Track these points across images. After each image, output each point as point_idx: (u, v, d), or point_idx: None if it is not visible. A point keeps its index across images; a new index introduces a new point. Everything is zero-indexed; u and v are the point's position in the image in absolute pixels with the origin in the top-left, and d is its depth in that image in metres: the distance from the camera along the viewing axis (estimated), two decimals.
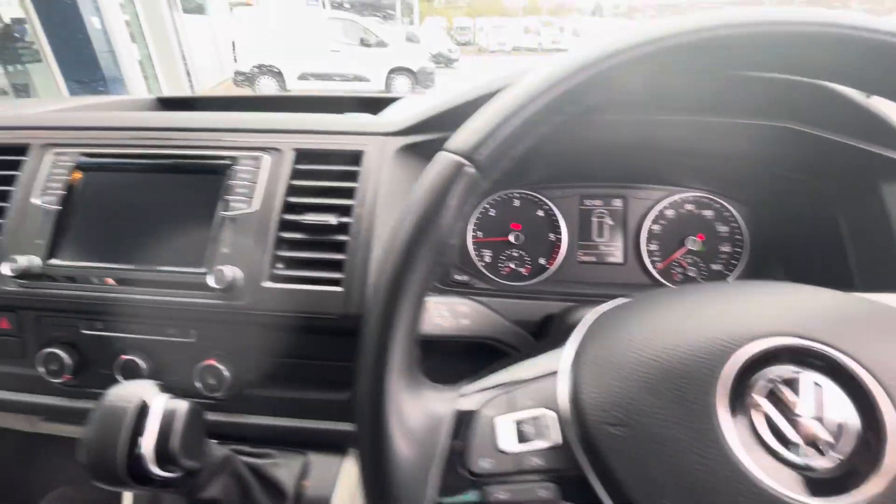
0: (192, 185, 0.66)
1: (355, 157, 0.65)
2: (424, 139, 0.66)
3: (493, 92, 0.62)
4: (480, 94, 0.62)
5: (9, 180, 0.69)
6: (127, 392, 0.43)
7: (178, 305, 0.62)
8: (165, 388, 0.44)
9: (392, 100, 1.00)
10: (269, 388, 0.63)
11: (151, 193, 0.66)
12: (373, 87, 9.57)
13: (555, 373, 0.37)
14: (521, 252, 0.83)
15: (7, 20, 5.53)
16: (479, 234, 0.84)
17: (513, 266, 0.83)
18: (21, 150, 0.71)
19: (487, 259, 0.83)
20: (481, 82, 0.63)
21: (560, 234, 0.82)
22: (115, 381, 0.63)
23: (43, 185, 0.67)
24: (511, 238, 0.82)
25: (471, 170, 0.34)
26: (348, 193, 0.63)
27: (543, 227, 0.83)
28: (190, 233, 0.63)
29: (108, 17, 5.64)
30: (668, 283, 0.80)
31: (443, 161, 0.35)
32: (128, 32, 6.24)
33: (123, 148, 0.69)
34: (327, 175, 0.65)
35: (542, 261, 0.83)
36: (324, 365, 0.62)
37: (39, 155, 0.70)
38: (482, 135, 0.35)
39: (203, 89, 9.39)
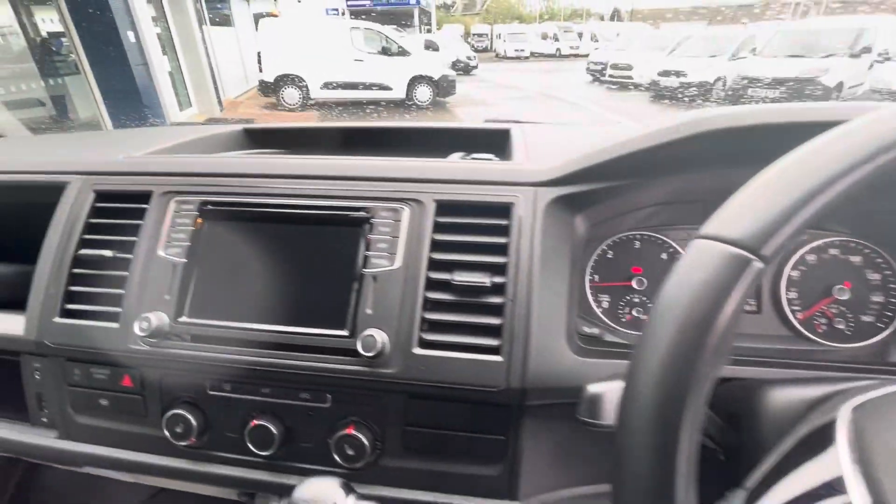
0: (326, 237, 0.62)
1: (504, 210, 0.61)
2: (580, 191, 0.62)
3: (665, 144, 0.57)
4: (647, 146, 0.57)
5: (133, 230, 0.66)
6: (317, 493, 0.39)
7: (316, 371, 0.58)
8: (349, 487, 0.40)
9: (501, 132, 0.95)
10: (410, 459, 0.59)
11: (282, 246, 0.62)
12: (395, 96, 9.61)
13: (836, 491, 0.31)
14: (643, 298, 0.77)
15: (44, 34, 5.72)
16: (597, 277, 0.78)
17: (635, 314, 0.77)
18: (144, 197, 0.68)
19: (605, 305, 0.78)
20: (641, 132, 0.58)
21: None
22: (243, 446, 0.59)
23: (167, 236, 0.64)
24: (634, 283, 0.76)
25: (759, 265, 0.29)
26: (499, 250, 0.59)
27: (669, 271, 0.77)
28: (328, 291, 0.60)
29: (143, 31, 5.80)
30: (810, 335, 0.74)
31: (722, 256, 0.30)
32: (159, 45, 6.41)
33: (248, 196, 0.66)
34: (474, 229, 0.60)
35: None
36: (472, 437, 0.57)
37: (162, 203, 0.67)
38: (776, 222, 0.29)
39: (229, 98, 9.56)
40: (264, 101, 9.83)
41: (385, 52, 9.61)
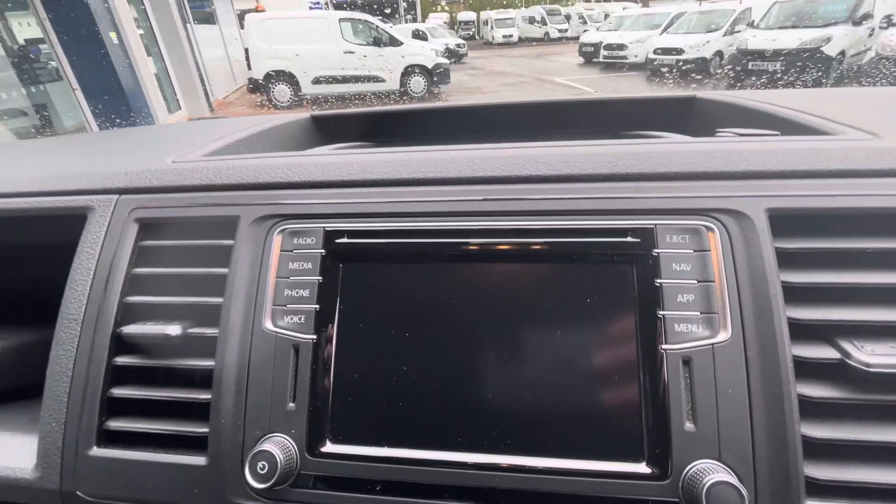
0: (567, 285, 0.37)
1: None
2: None
3: None
4: None
5: (212, 285, 0.42)
6: None
7: None
8: None
9: (679, 101, 0.75)
10: None
11: (489, 304, 0.37)
12: (388, 87, 9.35)
13: None
14: None
15: (21, 41, 5.45)
16: None
17: None
18: (224, 228, 0.43)
19: None
20: None
21: None
22: None
23: (276, 293, 0.40)
24: None
25: None
26: None
27: None
28: (588, 386, 0.35)
29: (125, 32, 5.57)
30: None
31: None
32: (143, 47, 6.18)
33: (412, 219, 0.40)
34: (853, 259, 0.36)
35: None
36: None
37: (257, 237, 0.42)
38: None
39: (218, 99, 9.27)
40: (254, 100, 9.54)
41: (376, 42, 9.34)
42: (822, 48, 7.58)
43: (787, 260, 0.36)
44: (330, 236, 0.40)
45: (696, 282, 0.36)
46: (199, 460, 0.38)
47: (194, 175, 0.47)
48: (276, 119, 0.79)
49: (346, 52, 9.10)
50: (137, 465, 0.39)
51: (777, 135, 0.49)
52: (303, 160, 0.48)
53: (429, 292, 0.38)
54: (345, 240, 0.40)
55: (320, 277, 0.39)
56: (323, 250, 0.40)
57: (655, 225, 0.37)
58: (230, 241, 0.42)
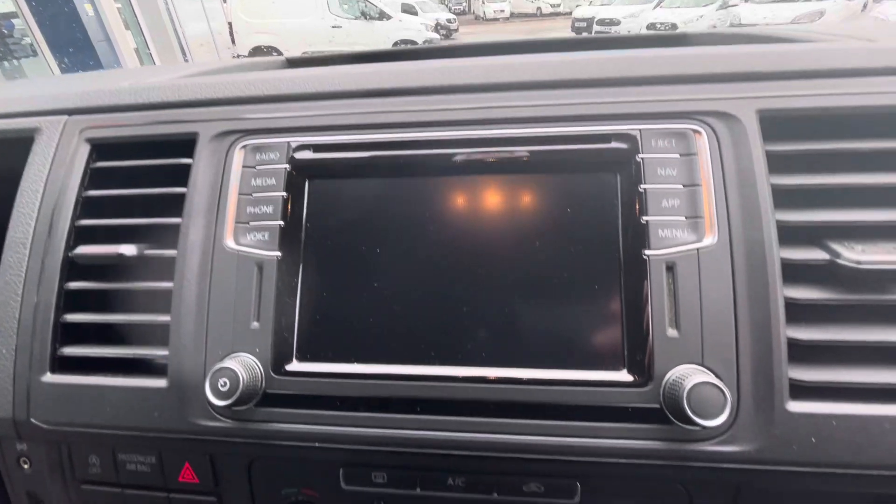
0: (547, 196, 0.35)
1: None
2: None
3: None
4: None
5: (171, 206, 0.40)
6: None
7: (566, 449, 0.33)
8: None
9: (677, 36, 0.74)
10: None
11: (464, 218, 0.36)
12: None
13: None
14: None
15: None
16: None
17: None
18: (182, 146, 0.41)
19: None
20: None
21: None
22: None
23: (239, 211, 0.38)
24: None
25: None
26: None
27: None
28: (568, 295, 0.34)
29: (101, 3, 5.34)
30: None
31: None
32: (121, 20, 5.94)
33: (383, 131, 0.38)
34: (842, 160, 0.35)
35: None
36: None
37: (218, 153, 0.39)
38: None
39: None
40: None
41: (364, 16, 9.09)
42: (815, 22, 7.55)
43: (777, 163, 0.35)
44: (295, 151, 0.39)
45: (681, 186, 0.35)
46: (160, 383, 0.37)
47: (150, 93, 0.44)
48: (247, 61, 0.77)
49: (333, 27, 8.86)
50: (94, 390, 0.37)
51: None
52: (265, 75, 0.45)
53: (401, 206, 0.37)
54: (310, 154, 0.38)
55: (285, 193, 0.38)
56: (287, 165, 0.38)
57: (640, 130, 0.36)
58: (188, 160, 0.40)
